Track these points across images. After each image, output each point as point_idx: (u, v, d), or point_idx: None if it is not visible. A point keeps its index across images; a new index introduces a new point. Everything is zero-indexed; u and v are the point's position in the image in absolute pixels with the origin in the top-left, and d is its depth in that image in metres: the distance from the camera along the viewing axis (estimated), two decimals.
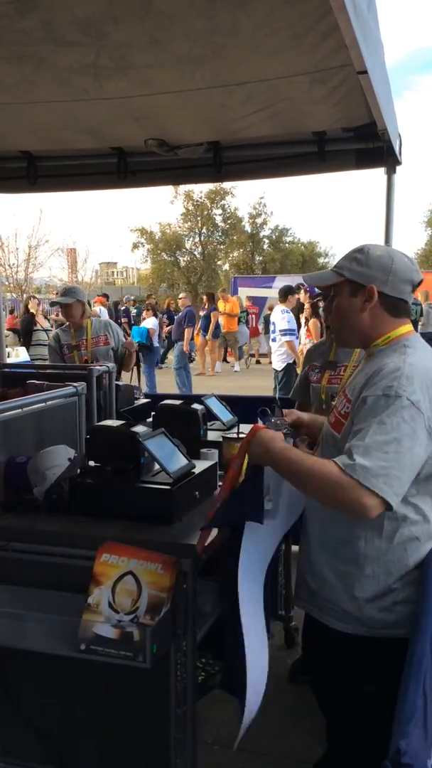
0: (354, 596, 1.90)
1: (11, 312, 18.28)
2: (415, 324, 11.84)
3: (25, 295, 17.74)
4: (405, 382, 1.78)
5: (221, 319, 16.69)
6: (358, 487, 1.70)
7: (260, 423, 2.08)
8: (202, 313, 16.57)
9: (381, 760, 1.47)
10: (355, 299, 1.93)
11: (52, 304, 4.74)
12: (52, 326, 11.80)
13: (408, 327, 1.97)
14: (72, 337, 4.81)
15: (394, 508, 1.74)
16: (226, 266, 39.36)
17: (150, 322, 14.12)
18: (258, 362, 18.82)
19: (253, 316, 19.42)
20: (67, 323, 4.89)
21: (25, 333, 10.45)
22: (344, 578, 1.92)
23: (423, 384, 1.79)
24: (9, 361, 9.25)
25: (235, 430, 3.02)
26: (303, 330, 12.10)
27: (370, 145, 3.84)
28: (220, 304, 17.17)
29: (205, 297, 17.60)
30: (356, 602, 1.90)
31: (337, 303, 1.98)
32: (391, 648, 1.81)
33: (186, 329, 13.22)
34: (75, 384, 3.10)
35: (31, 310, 10.51)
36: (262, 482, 1.97)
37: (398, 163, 3.97)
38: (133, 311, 21.72)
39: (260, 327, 19.19)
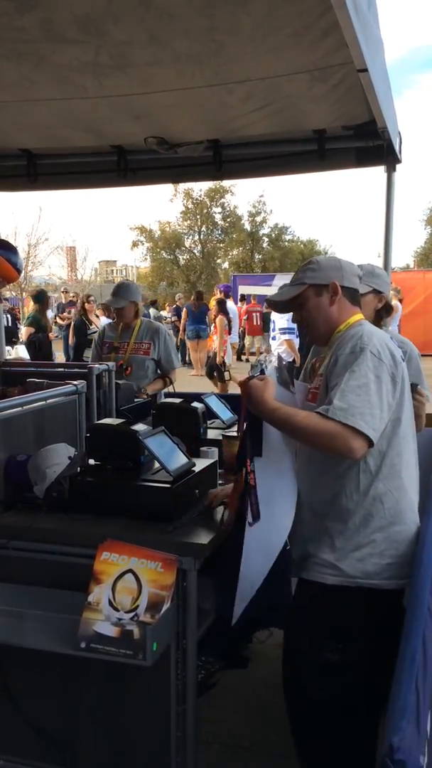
0: (335, 547, 2.11)
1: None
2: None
3: (68, 294, 17.33)
4: (366, 338, 2.10)
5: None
6: (342, 428, 1.96)
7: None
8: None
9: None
10: (321, 298, 2.25)
11: (105, 306, 4.36)
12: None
13: (360, 315, 2.28)
14: (116, 337, 4.51)
15: (375, 440, 1.99)
16: (226, 264, 39.36)
17: (102, 322, 13.90)
18: None
19: (256, 314, 19.34)
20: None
21: (79, 334, 10.08)
22: (330, 533, 2.13)
23: (381, 341, 2.11)
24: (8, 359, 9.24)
25: (235, 428, 3.02)
26: (211, 327, 12.32)
27: (370, 144, 3.83)
28: (213, 302, 17.02)
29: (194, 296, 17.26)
30: (337, 552, 2.10)
31: (307, 307, 2.27)
32: (362, 598, 2.07)
33: None
34: (75, 382, 3.10)
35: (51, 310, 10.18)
36: (261, 426, 2.17)
37: (398, 161, 3.95)
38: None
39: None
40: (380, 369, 2.05)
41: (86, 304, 10.65)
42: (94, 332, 9.83)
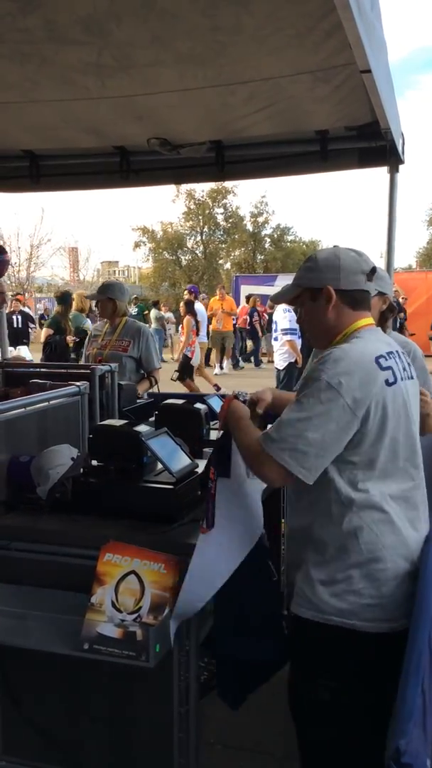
0: (310, 578, 1.93)
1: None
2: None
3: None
4: (330, 365, 1.87)
5: (220, 318, 16.47)
6: (265, 458, 1.87)
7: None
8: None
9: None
10: (316, 303, 2.04)
11: (89, 297, 4.76)
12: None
13: (366, 320, 2.06)
14: (102, 334, 4.70)
15: (306, 480, 1.85)
16: (228, 265, 39.35)
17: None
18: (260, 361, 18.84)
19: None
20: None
21: None
22: (307, 563, 1.96)
23: (351, 367, 1.87)
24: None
25: None
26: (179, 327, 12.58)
27: (372, 144, 3.83)
28: (215, 302, 16.98)
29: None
30: (311, 584, 1.93)
31: (303, 311, 2.11)
32: (345, 638, 1.86)
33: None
34: (78, 383, 3.09)
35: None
36: (230, 446, 2.10)
37: (401, 161, 3.95)
38: (134, 311, 21.46)
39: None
40: (333, 402, 1.83)
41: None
42: None
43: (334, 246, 2.11)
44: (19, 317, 15.08)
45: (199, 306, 13.02)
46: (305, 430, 1.83)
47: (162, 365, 4.99)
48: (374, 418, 1.87)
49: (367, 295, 2.08)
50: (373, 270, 2.08)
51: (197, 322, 12.25)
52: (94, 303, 5.48)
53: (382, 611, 1.86)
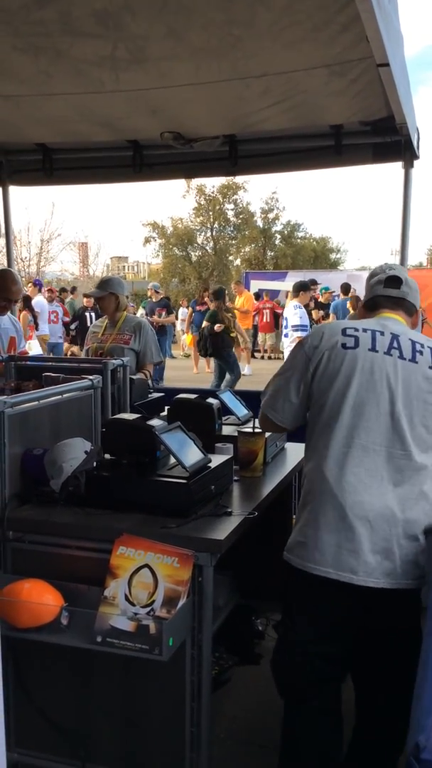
0: None
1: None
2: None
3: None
4: (310, 332, 2.27)
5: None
6: (261, 414, 2.32)
7: None
8: (199, 309, 16.14)
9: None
10: None
11: (85, 295, 4.67)
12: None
13: (379, 315, 2.27)
14: (102, 329, 4.74)
15: (279, 422, 2.25)
16: (238, 261, 39.26)
17: None
18: (270, 357, 18.80)
19: (267, 311, 19.29)
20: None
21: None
22: None
23: (317, 331, 2.22)
24: None
25: (250, 424, 3.01)
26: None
27: (387, 139, 3.80)
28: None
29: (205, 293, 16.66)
30: None
31: None
32: (294, 573, 2.08)
33: None
34: (90, 377, 3.09)
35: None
36: None
37: (416, 157, 3.93)
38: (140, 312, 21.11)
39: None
40: (297, 354, 2.19)
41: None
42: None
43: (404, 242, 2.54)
44: (92, 315, 14.26)
45: (39, 299, 13.02)
46: (278, 377, 2.23)
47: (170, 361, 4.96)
48: (324, 368, 2.11)
49: (381, 298, 2.30)
50: (390, 278, 2.29)
51: (35, 317, 12.32)
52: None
53: (305, 550, 2.05)
